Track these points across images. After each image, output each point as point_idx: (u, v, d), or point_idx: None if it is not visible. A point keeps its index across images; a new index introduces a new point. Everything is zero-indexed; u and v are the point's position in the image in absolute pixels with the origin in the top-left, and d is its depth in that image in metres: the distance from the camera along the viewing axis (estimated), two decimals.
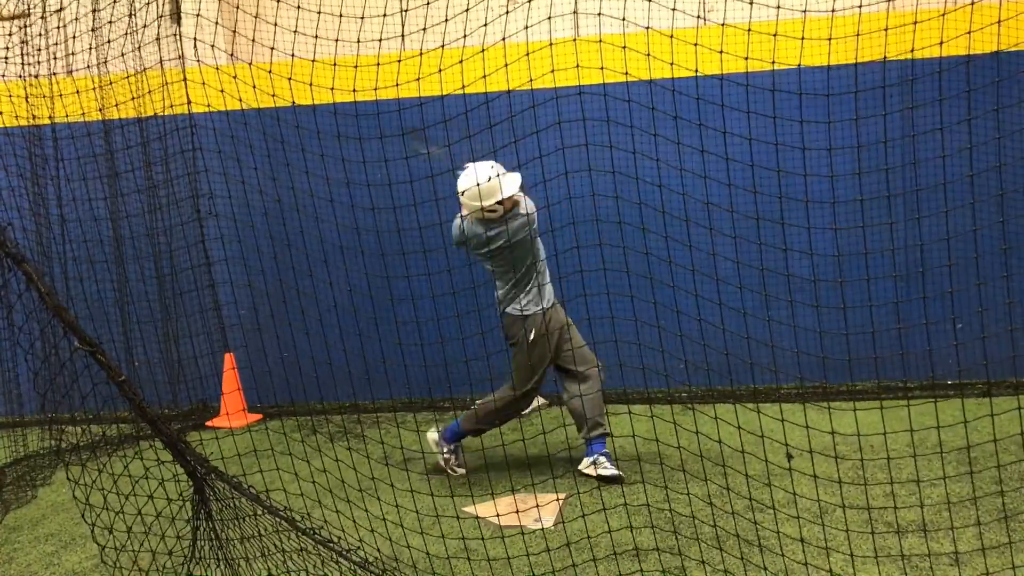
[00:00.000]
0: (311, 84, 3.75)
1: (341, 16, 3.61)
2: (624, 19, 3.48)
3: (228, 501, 2.94)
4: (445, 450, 5.09)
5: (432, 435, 5.15)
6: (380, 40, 3.42)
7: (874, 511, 3.97)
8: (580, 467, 4.88)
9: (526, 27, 3.35)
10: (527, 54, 3.87)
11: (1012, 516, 3.86)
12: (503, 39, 3.61)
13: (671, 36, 3.98)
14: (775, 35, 3.19)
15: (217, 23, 3.84)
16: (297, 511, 3.70)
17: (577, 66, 3.41)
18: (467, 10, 3.33)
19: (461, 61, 3.52)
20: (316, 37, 3.21)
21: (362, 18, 3.66)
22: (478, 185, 4.51)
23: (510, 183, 4.64)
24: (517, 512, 4.08)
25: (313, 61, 3.65)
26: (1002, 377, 6.00)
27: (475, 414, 4.93)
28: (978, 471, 4.31)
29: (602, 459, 4.80)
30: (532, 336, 4.75)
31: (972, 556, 3.52)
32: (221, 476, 2.83)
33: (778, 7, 3.24)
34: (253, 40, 3.61)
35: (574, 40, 3.64)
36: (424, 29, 3.46)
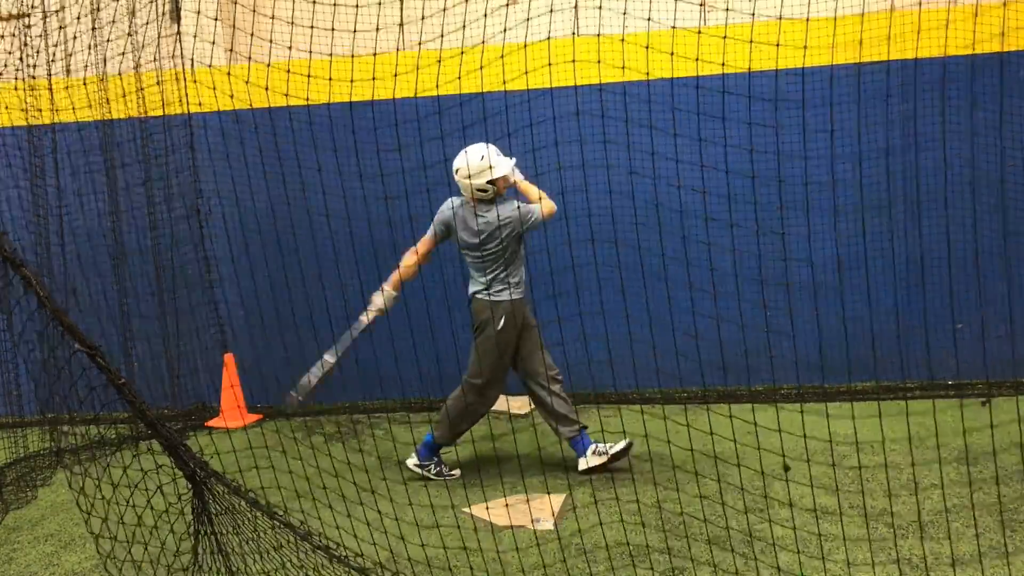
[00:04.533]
0: (308, 89, 3.76)
1: (356, 23, 3.61)
2: (624, 13, 3.48)
3: (227, 505, 2.93)
4: (431, 467, 5.03)
5: (411, 461, 5.06)
6: (397, 49, 3.42)
7: (873, 513, 3.98)
8: (585, 466, 4.87)
9: (527, 28, 3.35)
10: (526, 57, 3.88)
11: (1011, 520, 3.86)
12: (507, 41, 3.61)
13: (671, 37, 3.99)
14: (778, 42, 3.20)
15: (217, 19, 3.84)
16: (295, 514, 3.70)
17: (575, 68, 3.42)
18: (474, 15, 3.34)
19: (461, 64, 3.53)
20: (315, 43, 3.21)
21: (377, 29, 3.67)
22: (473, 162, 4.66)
23: (502, 165, 4.78)
24: (516, 513, 4.08)
25: (310, 65, 3.65)
26: (1002, 378, 6.00)
27: (445, 419, 4.94)
28: (981, 477, 4.30)
29: (599, 446, 4.86)
30: (501, 324, 4.79)
31: (971, 559, 3.52)
32: (221, 480, 2.82)
33: (780, 9, 3.24)
34: (253, 40, 3.61)
35: (572, 35, 3.65)
36: (435, 36, 3.46)
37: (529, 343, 4.93)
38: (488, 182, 4.75)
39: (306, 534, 3.05)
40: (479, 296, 4.86)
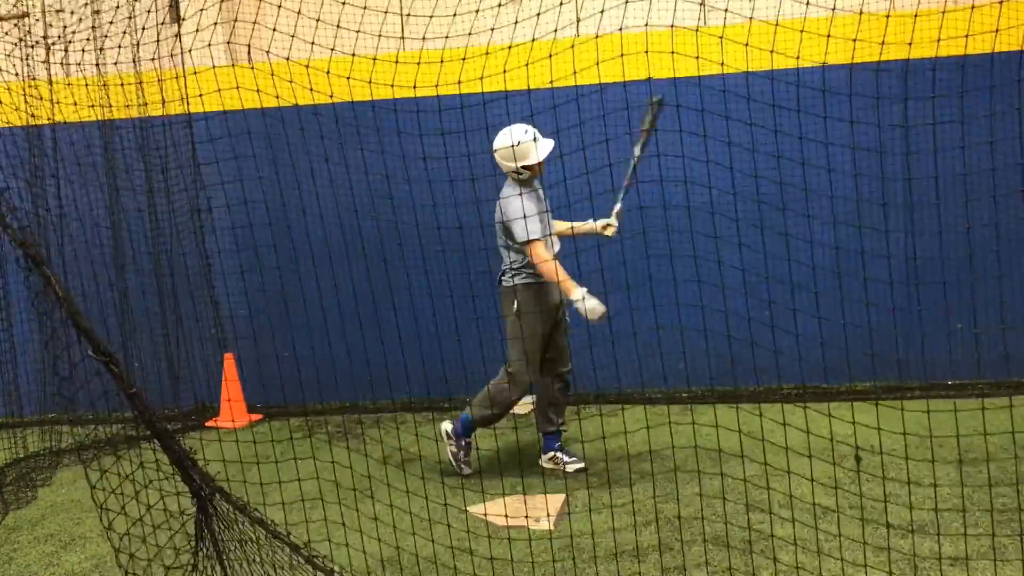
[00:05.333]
0: (310, 87, 3.75)
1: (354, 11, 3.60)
2: (624, 17, 3.48)
3: (231, 521, 2.91)
4: (454, 446, 5.05)
5: (446, 425, 5.08)
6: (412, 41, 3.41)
7: (873, 512, 3.99)
8: (542, 462, 5.13)
9: (544, 25, 3.34)
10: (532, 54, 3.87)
11: (1010, 520, 3.87)
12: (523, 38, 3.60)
13: (667, 31, 3.99)
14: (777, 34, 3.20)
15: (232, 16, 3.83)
16: (295, 514, 3.70)
17: (572, 67, 3.42)
18: (479, 10, 3.33)
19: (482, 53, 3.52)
20: (312, 43, 3.21)
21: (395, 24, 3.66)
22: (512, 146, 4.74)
23: (543, 147, 4.81)
24: (516, 513, 4.08)
25: (305, 62, 3.65)
26: (1000, 377, 6.01)
27: (486, 398, 4.93)
28: (981, 477, 4.32)
29: (560, 455, 5.06)
30: (516, 306, 4.81)
31: (971, 557, 3.54)
32: (225, 496, 2.80)
33: (807, 4, 3.23)
34: (255, 39, 3.60)
35: (590, 36, 3.65)
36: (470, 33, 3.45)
37: (559, 338, 5.00)
38: (524, 166, 4.77)
39: (310, 556, 3.04)
40: (503, 283, 4.96)
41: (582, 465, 4.98)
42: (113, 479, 3.13)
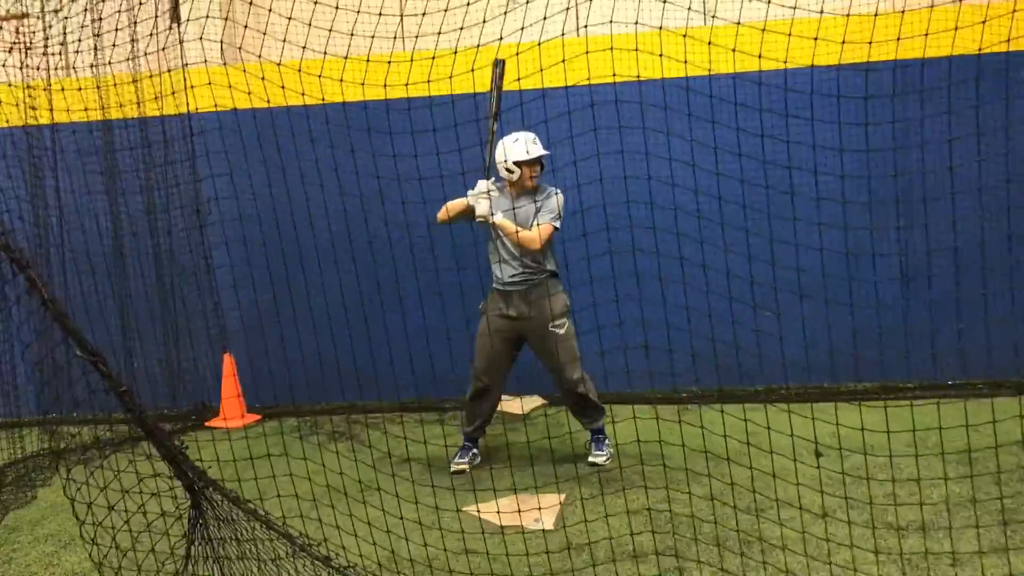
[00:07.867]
0: (301, 91, 3.75)
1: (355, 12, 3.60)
2: (637, 21, 3.48)
3: (225, 515, 2.92)
4: (463, 451, 5.27)
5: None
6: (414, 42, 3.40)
7: (874, 512, 3.98)
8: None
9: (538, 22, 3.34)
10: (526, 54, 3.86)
11: (1011, 519, 3.86)
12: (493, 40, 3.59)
13: (676, 35, 3.98)
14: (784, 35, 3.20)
15: (231, 14, 3.84)
16: (295, 514, 3.70)
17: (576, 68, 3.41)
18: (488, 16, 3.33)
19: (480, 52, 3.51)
20: (308, 34, 3.20)
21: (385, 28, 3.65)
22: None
23: (518, 151, 4.91)
24: (514, 513, 4.08)
25: (301, 60, 3.63)
26: (1006, 377, 6.00)
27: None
28: (981, 476, 4.31)
29: (591, 444, 5.23)
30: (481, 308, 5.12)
31: (972, 557, 3.53)
32: (220, 490, 2.81)
33: (794, 7, 3.24)
34: (254, 38, 3.60)
35: (566, 31, 3.64)
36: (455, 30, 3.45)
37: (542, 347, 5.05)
38: (510, 167, 4.94)
39: (304, 545, 3.04)
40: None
41: (597, 461, 5.10)
42: (103, 478, 3.14)
